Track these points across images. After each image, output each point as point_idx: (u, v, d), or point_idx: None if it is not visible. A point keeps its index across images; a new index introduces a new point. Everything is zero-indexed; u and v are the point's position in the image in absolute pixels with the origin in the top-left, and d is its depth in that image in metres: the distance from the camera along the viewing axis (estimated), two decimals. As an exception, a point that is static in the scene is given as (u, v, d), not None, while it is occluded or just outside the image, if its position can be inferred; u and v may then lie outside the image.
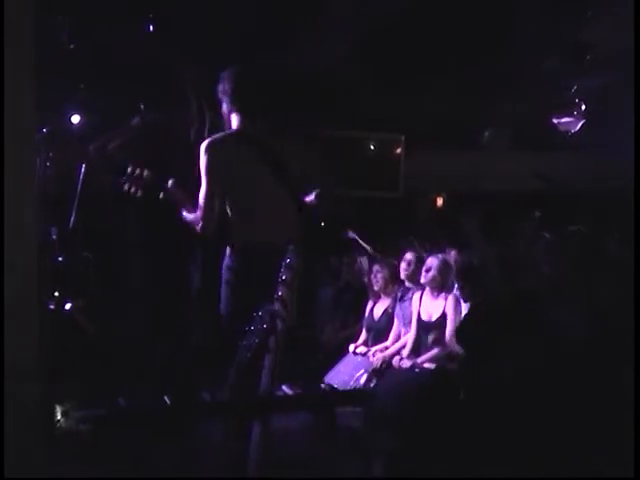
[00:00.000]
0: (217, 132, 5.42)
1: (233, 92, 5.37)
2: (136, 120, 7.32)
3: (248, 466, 5.19)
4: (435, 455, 5.14)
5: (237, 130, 5.39)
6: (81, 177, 6.22)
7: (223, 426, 5.38)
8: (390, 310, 7.96)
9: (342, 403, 5.90)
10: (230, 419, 5.38)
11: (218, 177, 5.23)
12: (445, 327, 7.17)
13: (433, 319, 7.31)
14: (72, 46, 7.32)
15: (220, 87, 5.42)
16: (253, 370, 5.19)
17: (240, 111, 5.39)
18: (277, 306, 5.13)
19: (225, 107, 5.45)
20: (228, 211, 5.31)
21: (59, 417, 5.58)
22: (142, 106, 7.79)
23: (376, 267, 8.20)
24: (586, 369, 5.29)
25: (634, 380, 4.80)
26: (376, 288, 8.18)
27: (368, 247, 8.70)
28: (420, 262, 7.68)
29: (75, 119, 8.50)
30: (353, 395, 6.27)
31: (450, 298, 7.29)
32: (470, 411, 5.19)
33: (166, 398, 5.03)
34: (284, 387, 5.37)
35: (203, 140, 5.26)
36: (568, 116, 11.04)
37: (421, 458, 5.17)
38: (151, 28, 7.45)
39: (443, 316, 7.24)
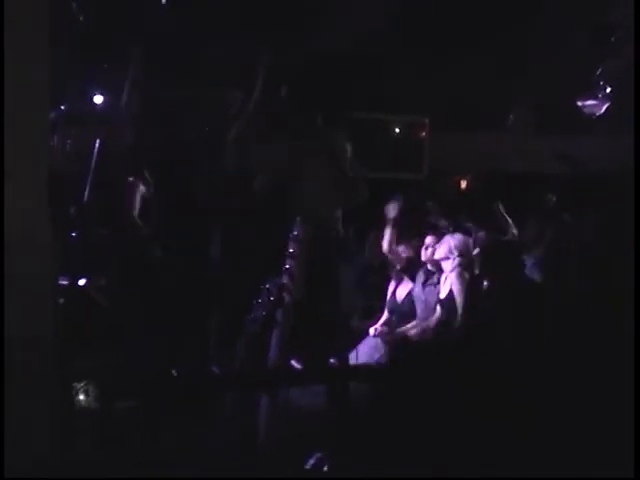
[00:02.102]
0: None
1: None
2: None
3: (257, 440, 5.20)
4: (434, 454, 5.11)
5: None
6: (95, 152, 6.22)
7: (233, 399, 5.40)
8: (413, 293, 7.90)
9: (353, 379, 5.88)
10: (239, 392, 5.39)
11: None
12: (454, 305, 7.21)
13: (442, 297, 7.36)
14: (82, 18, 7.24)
15: None
16: (261, 343, 5.20)
17: None
18: (285, 279, 5.14)
19: None
20: None
21: (77, 395, 5.62)
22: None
23: (401, 247, 8.10)
24: (586, 368, 5.29)
25: (634, 380, 4.80)
26: (398, 267, 8.09)
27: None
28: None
29: (98, 99, 8.53)
30: (363, 371, 6.25)
31: (453, 275, 7.28)
32: (469, 410, 5.16)
33: (174, 372, 5.05)
34: (293, 361, 5.37)
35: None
36: (593, 99, 10.90)
37: (418, 455, 5.14)
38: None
39: (450, 293, 7.25)
